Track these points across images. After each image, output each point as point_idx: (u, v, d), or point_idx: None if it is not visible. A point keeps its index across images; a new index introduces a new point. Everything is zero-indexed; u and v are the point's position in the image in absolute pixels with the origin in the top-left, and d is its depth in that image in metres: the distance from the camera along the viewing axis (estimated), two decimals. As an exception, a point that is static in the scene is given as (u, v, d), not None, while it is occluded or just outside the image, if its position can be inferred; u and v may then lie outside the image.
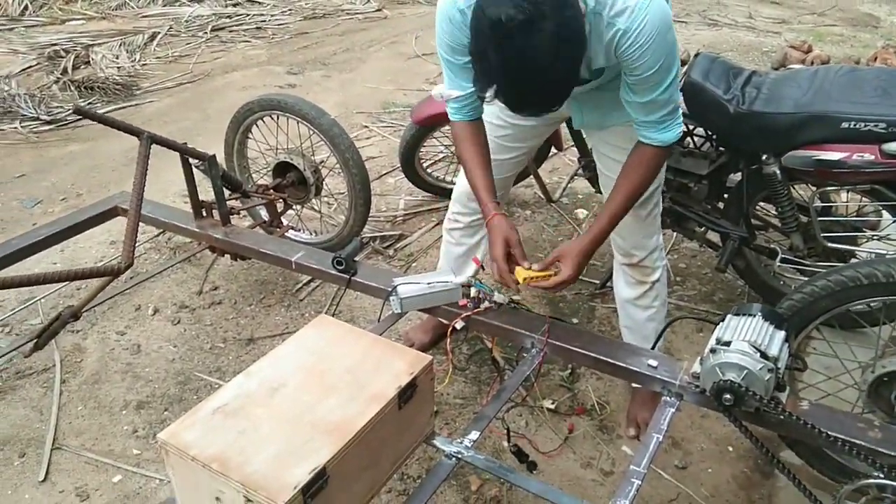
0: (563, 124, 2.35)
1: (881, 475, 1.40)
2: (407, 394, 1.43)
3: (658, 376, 1.64)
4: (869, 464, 1.44)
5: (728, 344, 1.47)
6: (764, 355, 1.44)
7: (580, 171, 2.82)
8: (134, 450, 2.11)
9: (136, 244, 3.03)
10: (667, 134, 1.63)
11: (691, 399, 1.61)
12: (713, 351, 1.48)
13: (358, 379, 1.44)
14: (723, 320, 1.56)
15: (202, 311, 2.69)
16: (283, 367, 1.48)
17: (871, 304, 1.77)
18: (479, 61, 1.35)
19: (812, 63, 5.19)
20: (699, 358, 1.57)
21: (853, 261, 2.24)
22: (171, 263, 2.72)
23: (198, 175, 2.40)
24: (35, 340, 2.01)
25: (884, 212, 2.35)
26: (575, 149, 2.78)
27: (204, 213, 2.49)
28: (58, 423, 2.19)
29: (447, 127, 3.11)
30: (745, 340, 1.46)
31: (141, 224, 2.50)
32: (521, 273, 1.67)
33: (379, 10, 6.80)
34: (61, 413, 2.23)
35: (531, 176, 3.15)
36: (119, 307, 2.71)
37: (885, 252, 2.25)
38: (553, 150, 3.14)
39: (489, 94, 1.36)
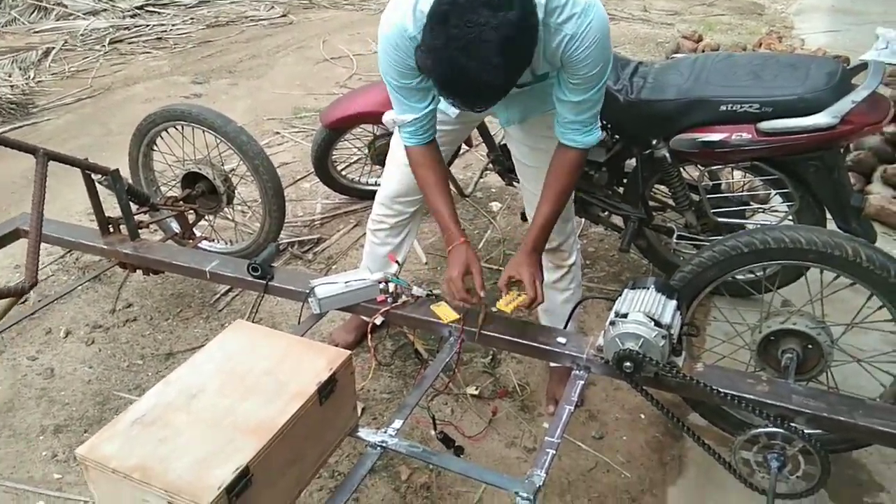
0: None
1: (769, 424, 1.55)
2: (327, 389, 1.47)
3: (567, 352, 1.75)
4: (758, 415, 1.58)
5: (625, 316, 1.59)
6: (658, 324, 1.56)
7: (490, 166, 2.91)
8: (55, 474, 2.05)
9: (43, 266, 2.93)
10: (589, 137, 1.73)
11: (598, 370, 1.72)
12: (612, 323, 1.59)
13: (278, 379, 1.47)
14: (620, 294, 1.68)
15: (117, 330, 2.63)
16: (201, 373, 1.49)
17: (755, 272, 1.93)
18: (432, 32, 1.35)
19: (703, 51, 5.49)
20: (602, 332, 1.68)
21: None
22: (80, 283, 2.66)
23: (102, 191, 2.35)
24: (-63, 372, 1.93)
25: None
26: (484, 145, 2.87)
27: (111, 229, 2.44)
28: (-31, 456, 2.11)
29: (358, 129, 3.16)
30: (641, 311, 1.58)
31: (46, 245, 2.44)
32: (503, 306, 1.74)
33: (284, 15, 6.74)
34: (-28, 446, 2.15)
35: (443, 173, 3.22)
36: (28, 331, 2.62)
37: (770, 223, 2.43)
38: (464, 146, 3.22)
39: (426, 70, 1.38)
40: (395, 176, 2.15)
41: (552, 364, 2.27)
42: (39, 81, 5.07)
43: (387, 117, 1.81)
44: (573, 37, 1.51)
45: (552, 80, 1.67)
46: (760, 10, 7.36)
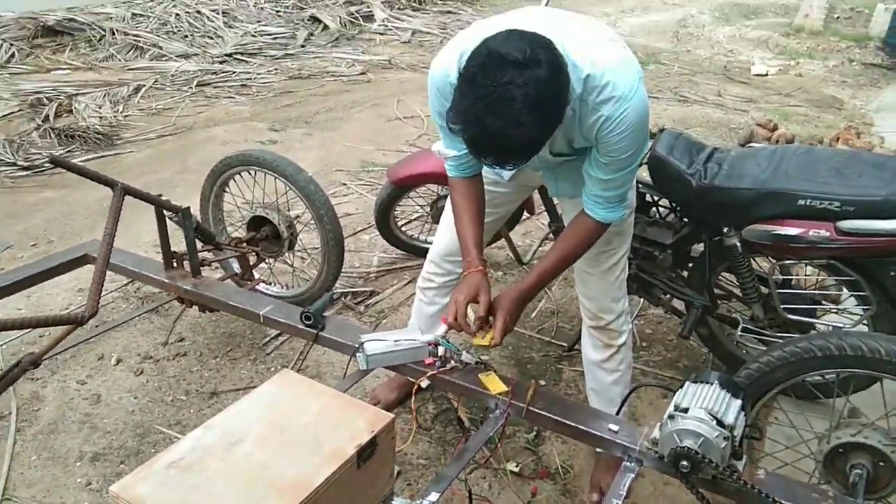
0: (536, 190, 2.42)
1: (835, 547, 1.42)
2: (367, 452, 1.42)
3: (619, 441, 1.66)
4: (823, 535, 1.45)
5: (686, 411, 1.50)
6: (720, 423, 1.47)
7: (550, 236, 2.88)
8: (86, 503, 2.05)
9: (105, 293, 3.01)
10: (611, 214, 1.71)
11: (650, 464, 1.62)
12: (671, 417, 1.51)
13: (317, 435, 1.44)
14: (681, 387, 1.59)
15: (166, 363, 2.66)
16: (242, 421, 1.47)
17: (826, 376, 1.81)
18: (461, 93, 1.37)
19: (777, 141, 5.40)
20: (658, 424, 1.59)
21: (811, 333, 2.29)
22: (137, 313, 2.71)
23: (171, 226, 2.41)
24: (-9, 387, 1.97)
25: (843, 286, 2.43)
26: (546, 214, 2.85)
27: (175, 264, 2.50)
28: (9, 474, 2.12)
29: (423, 188, 3.19)
30: (703, 408, 1.49)
31: (111, 273, 2.51)
32: (478, 341, 1.70)
33: (363, 73, 6.97)
34: (14, 463, 2.17)
35: (503, 238, 3.20)
36: (82, 356, 2.67)
37: (842, 325, 2.31)
38: (525, 213, 3.20)
39: (456, 130, 1.39)
40: (446, 235, 2.15)
41: (600, 450, 2.17)
42: (127, 115, 5.34)
43: (435, 147, 1.82)
44: (609, 118, 1.50)
45: None
46: (839, 104, 7.23)
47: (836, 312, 2.52)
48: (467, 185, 1.82)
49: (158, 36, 7.03)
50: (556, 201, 2.68)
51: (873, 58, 8.68)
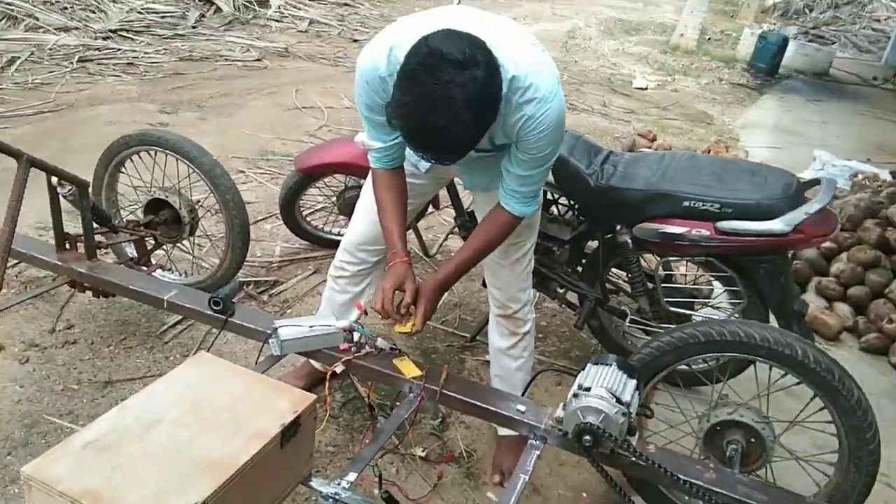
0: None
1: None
2: (290, 432, 1.45)
3: (526, 420, 1.77)
4: (707, 502, 1.62)
5: (588, 390, 1.63)
6: (619, 400, 1.61)
7: (456, 230, 2.97)
8: (-33, 498, 1.92)
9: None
10: (526, 208, 1.82)
11: (555, 441, 1.74)
12: (575, 396, 1.63)
13: (239, 416, 1.44)
14: (583, 369, 1.72)
15: (54, 351, 2.52)
16: (159, 402, 1.45)
17: (708, 361, 2.01)
18: (401, 89, 1.42)
19: (657, 149, 5.81)
20: (562, 404, 1.71)
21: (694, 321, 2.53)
22: (21, 298, 2.54)
23: (64, 206, 2.29)
24: None
25: (715, 282, 2.68)
26: (451, 210, 2.94)
27: (67, 246, 2.38)
28: None
29: (329, 178, 3.19)
30: (603, 387, 1.63)
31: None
32: (399, 328, 1.77)
33: (258, 59, 6.79)
34: None
35: (410, 230, 3.27)
36: (-44, 343, 2.47)
37: (716, 317, 2.55)
38: (431, 208, 3.28)
39: (397, 125, 1.45)
40: (362, 222, 2.18)
41: (501, 433, 2.28)
42: (1, 89, 4.93)
43: (358, 138, 1.85)
44: (530, 118, 1.60)
45: None
46: (710, 119, 7.83)
47: (711, 306, 2.78)
48: (390, 176, 1.87)
49: (35, 6, 6.51)
50: (465, 194, 2.77)
51: (740, 78, 9.47)
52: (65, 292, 2.74)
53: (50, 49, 5.81)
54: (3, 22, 6.19)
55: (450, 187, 2.81)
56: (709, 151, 5.94)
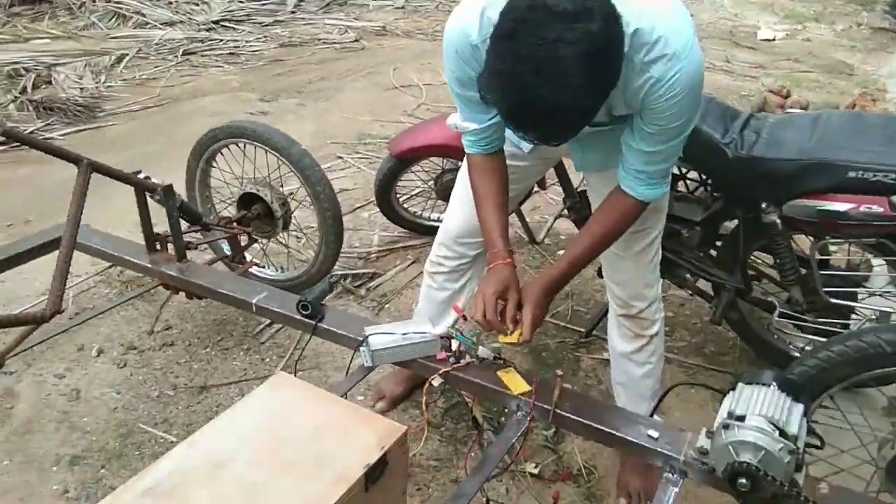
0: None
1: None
2: (376, 472, 1.23)
3: (660, 449, 1.47)
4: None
5: (742, 419, 1.31)
6: (783, 433, 1.28)
7: (565, 212, 2.67)
8: (62, 515, 1.86)
9: (87, 276, 2.80)
10: (653, 191, 1.50)
11: (697, 478, 1.43)
12: (726, 427, 1.31)
13: (319, 453, 1.24)
14: (733, 389, 1.40)
15: (152, 354, 2.46)
16: (231, 436, 1.28)
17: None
18: (496, 53, 1.15)
19: (791, 108, 5.18)
20: (705, 430, 1.40)
21: (852, 319, 2.12)
22: (120, 300, 2.50)
23: (154, 205, 2.19)
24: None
25: (884, 266, 2.23)
26: (559, 187, 2.63)
27: (158, 247, 2.29)
28: (-23, 482, 1.93)
29: (426, 161, 2.96)
30: (762, 415, 1.30)
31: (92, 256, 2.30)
32: (505, 339, 1.51)
33: (356, 40, 6.67)
34: (-17, 469, 1.98)
35: (513, 214, 2.99)
36: (60, 347, 2.46)
37: (889, 310, 2.11)
38: (536, 187, 2.98)
39: (491, 99, 1.18)
40: (458, 214, 1.93)
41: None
42: (110, 86, 5.06)
43: (450, 120, 1.59)
44: (659, 80, 1.28)
45: None
46: (850, 70, 6.99)
47: (878, 295, 2.33)
48: (489, 162, 1.60)
49: (142, 3, 6.68)
50: (575, 174, 2.46)
51: (881, 21, 8.42)
52: (164, 291, 2.68)
53: (156, 44, 5.93)
54: (112, 20, 6.40)
55: (557, 164, 2.49)
56: (853, 106, 5.24)
